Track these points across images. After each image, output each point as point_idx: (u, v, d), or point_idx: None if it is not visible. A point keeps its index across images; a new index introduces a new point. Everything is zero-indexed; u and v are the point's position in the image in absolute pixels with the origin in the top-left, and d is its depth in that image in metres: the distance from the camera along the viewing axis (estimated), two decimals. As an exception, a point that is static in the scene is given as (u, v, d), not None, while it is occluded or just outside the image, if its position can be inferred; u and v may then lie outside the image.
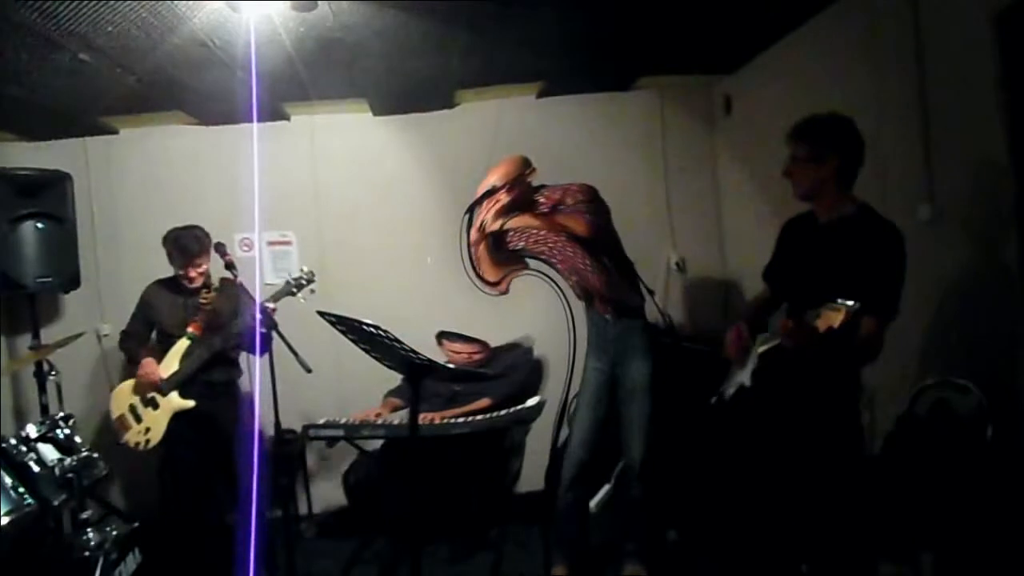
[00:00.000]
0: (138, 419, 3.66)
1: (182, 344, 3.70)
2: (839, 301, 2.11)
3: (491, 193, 3.08)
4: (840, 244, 2.46)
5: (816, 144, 2.49)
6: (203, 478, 3.73)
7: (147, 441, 3.62)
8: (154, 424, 3.63)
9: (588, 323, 3.38)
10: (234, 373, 3.91)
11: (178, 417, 3.65)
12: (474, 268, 3.19)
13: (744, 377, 2.56)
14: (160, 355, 3.72)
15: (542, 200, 3.23)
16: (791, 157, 2.56)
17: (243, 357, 3.90)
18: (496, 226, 3.11)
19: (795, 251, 2.71)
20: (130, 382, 3.75)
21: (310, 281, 3.75)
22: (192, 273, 3.75)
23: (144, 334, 3.85)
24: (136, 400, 3.68)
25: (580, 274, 3.28)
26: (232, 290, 3.78)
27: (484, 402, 3.98)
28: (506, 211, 3.11)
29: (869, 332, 2.31)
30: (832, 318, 2.10)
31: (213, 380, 3.75)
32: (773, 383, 2.54)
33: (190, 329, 3.71)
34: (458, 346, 4.23)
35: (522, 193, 3.15)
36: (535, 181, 3.20)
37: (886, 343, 2.42)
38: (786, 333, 2.33)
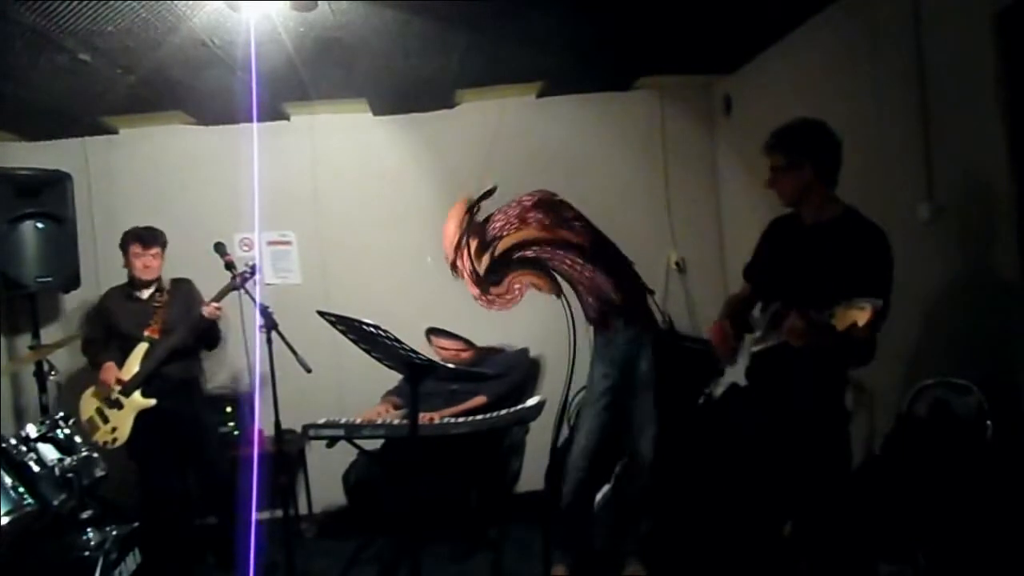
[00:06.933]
0: (105, 420, 3.71)
1: (141, 348, 3.74)
2: (862, 300, 2.13)
3: (458, 247, 2.99)
4: (827, 246, 2.47)
5: (791, 153, 2.53)
6: (169, 477, 3.80)
7: (114, 440, 3.69)
8: (120, 423, 3.69)
9: (594, 331, 3.35)
10: (192, 370, 3.98)
11: (142, 416, 3.70)
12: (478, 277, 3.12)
13: (738, 375, 2.57)
14: (120, 358, 3.76)
15: (495, 227, 3.11)
16: (771, 169, 2.60)
17: (229, 360, 3.93)
18: (486, 264, 3.01)
19: (781, 252, 2.72)
20: (93, 387, 3.78)
21: (253, 274, 3.70)
22: (141, 264, 3.78)
23: (104, 339, 3.88)
24: (101, 402, 3.73)
25: (581, 285, 3.24)
26: (183, 290, 3.92)
27: (479, 399, 3.98)
28: (480, 252, 3.02)
29: (863, 334, 2.29)
30: (857, 316, 2.11)
31: (171, 377, 3.78)
32: (763, 383, 2.55)
33: (147, 333, 3.75)
34: (446, 343, 4.22)
35: (479, 232, 3.04)
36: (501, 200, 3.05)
37: (886, 343, 2.42)
38: (794, 332, 2.34)
